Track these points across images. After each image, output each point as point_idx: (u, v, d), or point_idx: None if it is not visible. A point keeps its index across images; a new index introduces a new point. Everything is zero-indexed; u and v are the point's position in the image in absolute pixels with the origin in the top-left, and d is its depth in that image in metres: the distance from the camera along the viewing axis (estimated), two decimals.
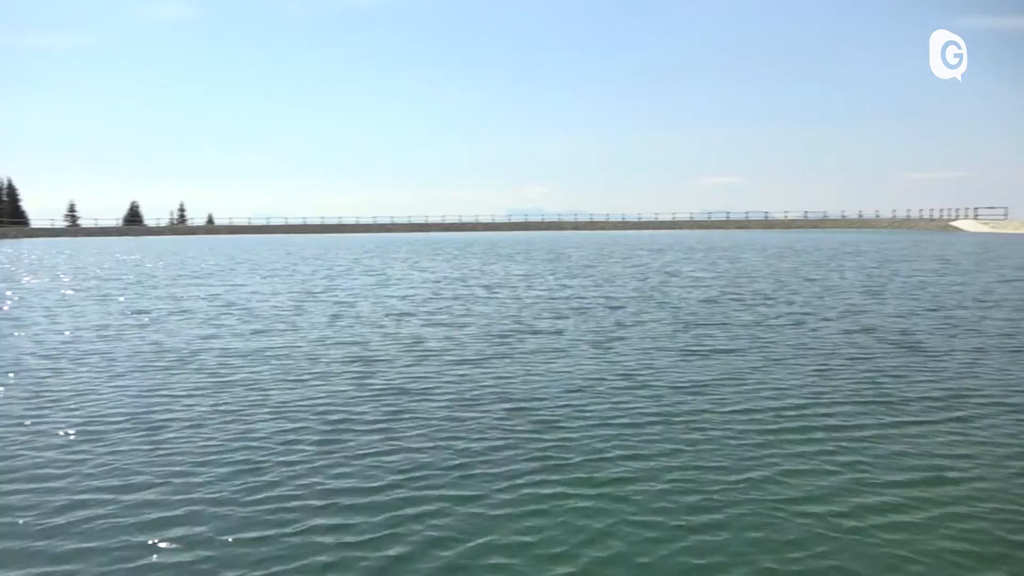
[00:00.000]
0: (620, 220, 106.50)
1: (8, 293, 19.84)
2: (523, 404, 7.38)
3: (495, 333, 11.84)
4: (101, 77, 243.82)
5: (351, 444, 6.16)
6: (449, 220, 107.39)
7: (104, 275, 26.43)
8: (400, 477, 5.39)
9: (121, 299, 18.02)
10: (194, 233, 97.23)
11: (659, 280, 21.66)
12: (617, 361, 9.49)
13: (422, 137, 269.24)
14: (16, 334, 12.45)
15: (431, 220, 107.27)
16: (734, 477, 5.33)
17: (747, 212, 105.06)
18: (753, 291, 18.04)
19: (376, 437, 6.33)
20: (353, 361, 9.65)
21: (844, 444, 6.05)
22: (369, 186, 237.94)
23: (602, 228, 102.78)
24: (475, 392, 7.91)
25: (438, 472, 5.49)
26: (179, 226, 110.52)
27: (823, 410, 7.09)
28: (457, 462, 5.70)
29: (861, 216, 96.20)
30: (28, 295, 19.30)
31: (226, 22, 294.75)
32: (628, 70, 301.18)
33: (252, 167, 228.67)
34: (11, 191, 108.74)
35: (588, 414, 7.00)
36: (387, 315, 14.31)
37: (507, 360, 9.63)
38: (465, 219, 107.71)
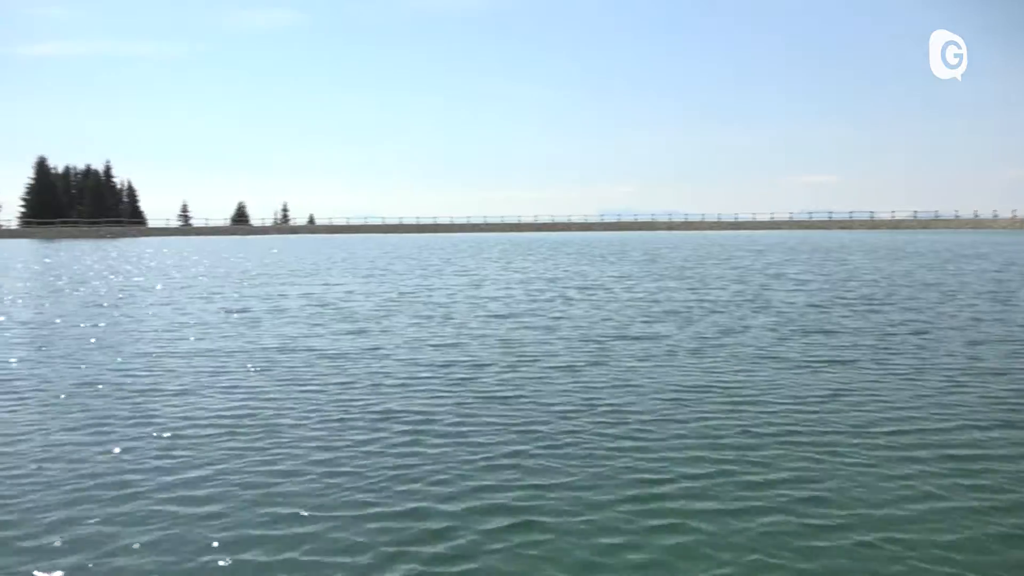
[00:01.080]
0: (716, 220, 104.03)
1: (121, 291, 20.82)
2: (618, 416, 7.03)
3: (589, 338, 11.50)
4: (212, 84, 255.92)
5: (443, 452, 5.96)
6: (542, 220, 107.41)
7: (209, 272, 27.49)
8: (489, 487, 5.14)
9: (221, 297, 18.60)
10: (296, 232, 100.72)
11: (761, 283, 20.79)
12: (718, 371, 9.00)
13: (516, 137, 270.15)
14: (126, 329, 12.93)
15: (524, 220, 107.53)
16: (844, 506, 4.83)
17: (851, 212, 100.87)
18: (864, 296, 17.02)
19: (466, 445, 6.12)
20: (446, 365, 9.51)
21: (970, 473, 5.42)
22: (464, 186, 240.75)
23: (697, 228, 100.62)
24: (569, 401, 7.61)
25: (529, 487, 5.20)
26: (282, 225, 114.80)
27: (946, 433, 6.41)
28: (551, 475, 5.41)
29: (977, 216, 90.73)
30: (139, 291, 20.20)
31: (329, 28, 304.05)
32: (716, 67, 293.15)
33: (352, 169, 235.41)
34: (131, 193, 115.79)
35: (686, 430, 6.58)
36: (480, 317, 14.18)
37: (601, 367, 9.28)
38: (558, 219, 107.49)
